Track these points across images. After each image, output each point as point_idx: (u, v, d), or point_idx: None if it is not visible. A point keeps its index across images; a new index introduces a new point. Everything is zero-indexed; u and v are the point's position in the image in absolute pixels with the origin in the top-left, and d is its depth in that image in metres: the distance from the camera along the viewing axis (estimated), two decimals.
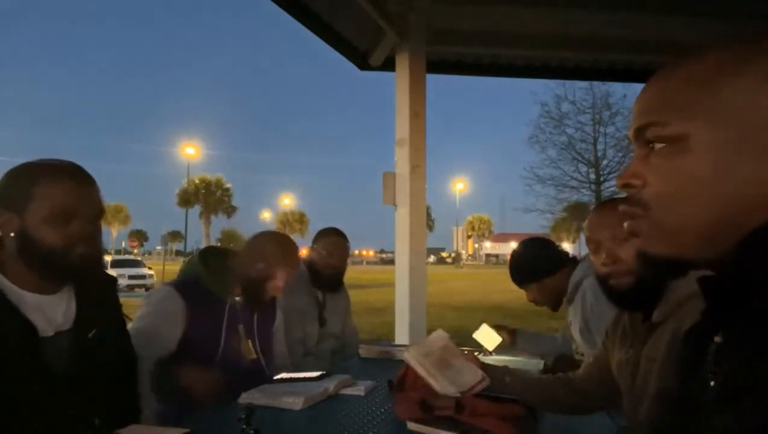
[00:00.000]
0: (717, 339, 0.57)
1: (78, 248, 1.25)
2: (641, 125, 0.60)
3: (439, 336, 1.28)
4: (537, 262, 2.18)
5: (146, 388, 1.61)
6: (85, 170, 1.32)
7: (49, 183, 1.23)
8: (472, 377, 1.18)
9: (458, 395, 1.10)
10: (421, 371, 1.14)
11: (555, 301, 2.17)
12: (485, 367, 1.39)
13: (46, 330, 1.23)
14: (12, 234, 1.22)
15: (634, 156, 0.62)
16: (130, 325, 1.69)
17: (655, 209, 0.59)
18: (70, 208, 1.24)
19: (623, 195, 0.64)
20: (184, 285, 1.86)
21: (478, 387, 1.16)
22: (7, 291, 1.20)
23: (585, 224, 1.32)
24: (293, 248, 2.03)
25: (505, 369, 1.44)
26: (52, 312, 1.27)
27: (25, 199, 1.22)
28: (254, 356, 1.97)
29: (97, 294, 1.39)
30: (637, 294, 1.18)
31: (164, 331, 1.76)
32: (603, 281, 1.24)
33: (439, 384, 1.11)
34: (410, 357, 1.15)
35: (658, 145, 0.59)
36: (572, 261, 2.16)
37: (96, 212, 1.31)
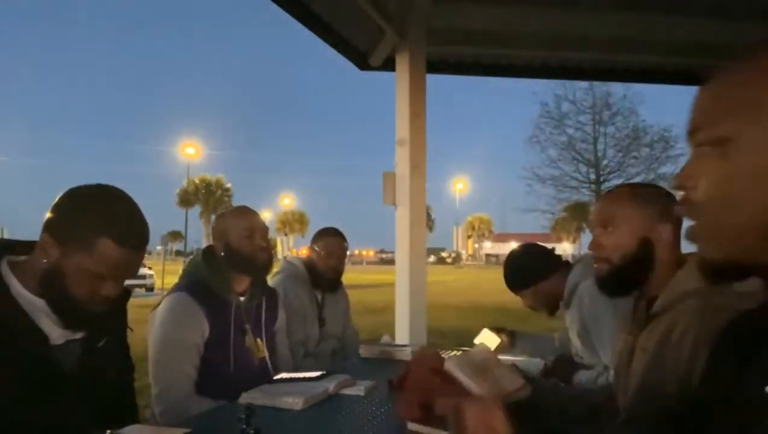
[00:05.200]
0: None
1: (97, 305, 1.22)
2: (690, 129, 0.61)
3: (482, 349, 1.34)
4: (530, 267, 2.18)
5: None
6: (147, 231, 1.27)
7: (111, 245, 1.18)
8: (511, 384, 1.22)
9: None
10: (461, 377, 1.17)
11: (551, 305, 2.18)
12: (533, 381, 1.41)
13: (57, 337, 1.22)
14: (44, 261, 1.17)
15: (690, 156, 0.63)
16: (151, 338, 1.78)
17: (706, 212, 0.59)
18: (114, 272, 1.21)
19: None
20: (193, 286, 1.86)
21: (517, 394, 1.21)
22: (19, 298, 1.18)
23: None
24: (239, 209, 2.06)
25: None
26: None
27: (77, 243, 1.17)
28: (263, 355, 1.98)
29: (111, 305, 1.37)
30: (612, 280, 1.24)
31: (191, 337, 1.78)
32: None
33: (479, 389, 1.14)
34: (451, 364, 1.19)
35: (706, 148, 0.59)
36: (565, 265, 2.16)
37: (131, 276, 1.29)
